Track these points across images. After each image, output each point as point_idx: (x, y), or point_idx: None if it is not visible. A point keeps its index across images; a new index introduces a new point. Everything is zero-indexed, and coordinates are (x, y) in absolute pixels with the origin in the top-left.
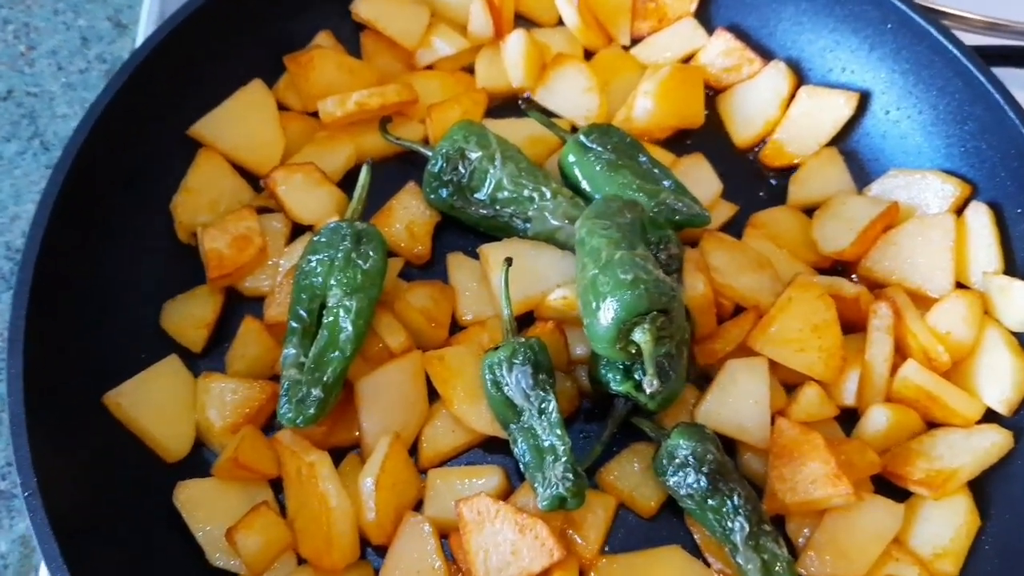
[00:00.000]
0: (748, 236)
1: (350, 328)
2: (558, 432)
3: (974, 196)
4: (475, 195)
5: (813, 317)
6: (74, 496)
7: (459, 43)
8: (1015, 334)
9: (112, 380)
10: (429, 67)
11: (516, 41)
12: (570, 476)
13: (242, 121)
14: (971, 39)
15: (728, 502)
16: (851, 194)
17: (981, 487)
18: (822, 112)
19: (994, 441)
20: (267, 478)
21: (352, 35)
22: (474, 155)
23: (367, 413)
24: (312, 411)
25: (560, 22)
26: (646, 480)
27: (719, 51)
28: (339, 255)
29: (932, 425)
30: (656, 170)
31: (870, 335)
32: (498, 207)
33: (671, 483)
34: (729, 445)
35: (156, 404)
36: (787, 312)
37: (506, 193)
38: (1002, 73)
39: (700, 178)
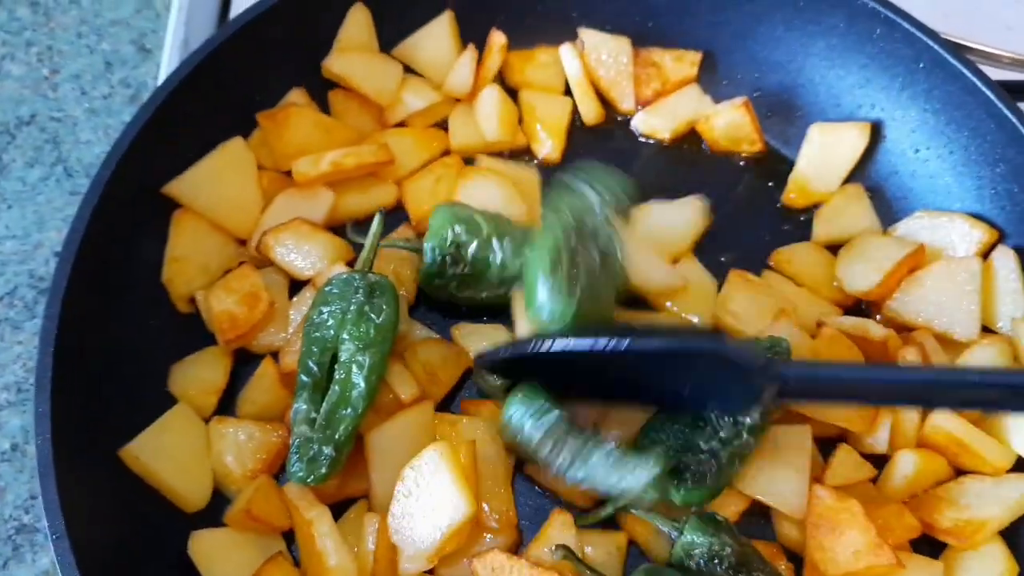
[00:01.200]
0: (770, 272)
1: (363, 384)
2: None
3: (1001, 241)
4: (481, 282)
5: None
6: (99, 539)
7: (430, 97)
8: None
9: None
10: (400, 124)
11: (489, 95)
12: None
13: (221, 181)
14: (998, 74)
15: None
16: (877, 234)
17: (1017, 534)
18: (839, 145)
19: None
20: (280, 531)
21: (320, 92)
22: (470, 245)
23: (377, 465)
24: (323, 470)
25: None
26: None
27: (725, 123)
28: (351, 308)
29: (960, 472)
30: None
31: None
32: (507, 286)
33: None
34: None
35: (172, 455)
36: None
37: (513, 270)
38: None
39: None
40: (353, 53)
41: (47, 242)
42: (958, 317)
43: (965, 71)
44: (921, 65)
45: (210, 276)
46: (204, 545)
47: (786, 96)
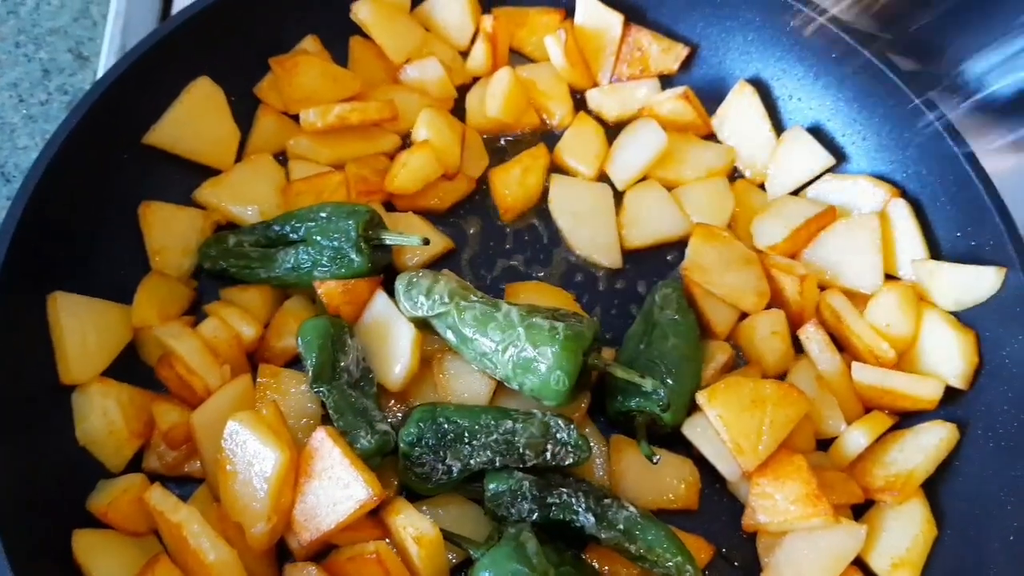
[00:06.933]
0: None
1: None
2: None
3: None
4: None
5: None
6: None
7: (445, 69)
8: (953, 314)
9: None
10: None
11: (502, 76)
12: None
13: (195, 120)
14: (911, 65)
15: (567, 507)
16: (791, 197)
17: (937, 499)
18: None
19: (941, 436)
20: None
21: (340, 38)
22: (450, 434)
23: (207, 446)
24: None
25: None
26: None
27: (668, 111)
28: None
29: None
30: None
31: (812, 357)
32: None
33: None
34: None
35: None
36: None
37: (488, 437)
38: None
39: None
40: (382, 5)
41: None
42: (862, 271)
43: (873, 59)
44: (833, 55)
45: (191, 254)
46: (87, 544)
47: (716, 86)
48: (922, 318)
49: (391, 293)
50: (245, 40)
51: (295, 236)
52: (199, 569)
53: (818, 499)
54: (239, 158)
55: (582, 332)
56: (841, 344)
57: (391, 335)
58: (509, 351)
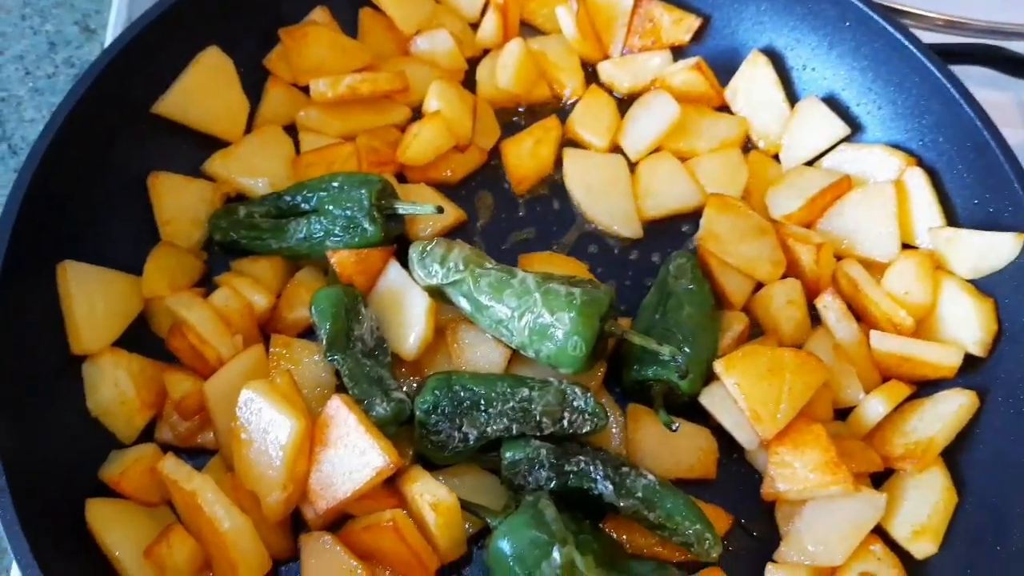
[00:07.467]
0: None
1: None
2: None
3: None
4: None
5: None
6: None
7: (455, 41)
8: (971, 282)
9: None
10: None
11: (514, 47)
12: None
13: (204, 90)
14: (931, 37)
15: (585, 475)
16: (806, 168)
17: (958, 467)
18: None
19: (961, 404)
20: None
21: (350, 11)
22: (466, 402)
23: (219, 415)
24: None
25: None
26: None
27: (680, 82)
28: None
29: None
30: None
31: (830, 327)
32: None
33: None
34: None
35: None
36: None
37: (505, 404)
38: (962, 71)
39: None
40: None
41: None
42: (878, 240)
43: (888, 27)
44: (847, 24)
45: (201, 226)
46: (100, 513)
47: (729, 56)
48: (940, 286)
49: (403, 265)
50: (253, 11)
51: (306, 206)
52: (214, 538)
53: (838, 467)
54: (248, 130)
55: (600, 298)
56: (858, 314)
57: (405, 304)
58: (525, 317)
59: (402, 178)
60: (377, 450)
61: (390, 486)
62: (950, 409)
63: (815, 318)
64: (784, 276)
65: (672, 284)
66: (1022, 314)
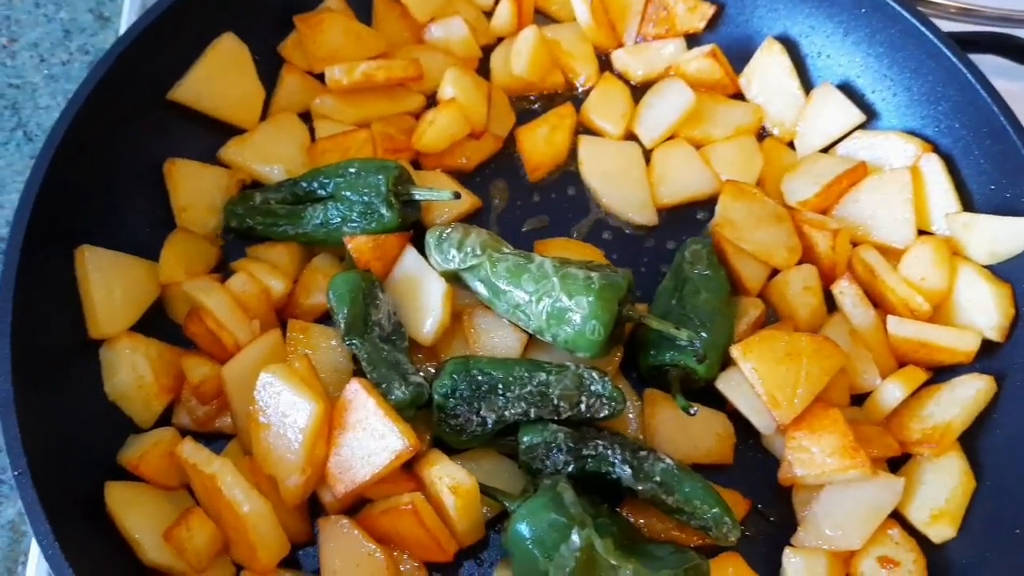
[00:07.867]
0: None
1: None
2: None
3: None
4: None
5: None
6: (64, 477)
7: (469, 28)
8: (988, 267)
9: None
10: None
11: (528, 35)
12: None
13: (219, 77)
14: (944, 25)
15: (603, 459)
16: (821, 155)
17: (975, 452)
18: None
19: (978, 388)
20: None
21: (361, 0)
22: (484, 386)
23: (237, 399)
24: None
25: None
26: None
27: (695, 69)
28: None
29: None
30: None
31: (846, 312)
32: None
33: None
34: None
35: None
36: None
37: (522, 388)
38: (975, 59)
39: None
40: None
41: (7, 204)
42: (894, 226)
43: (904, 13)
44: (863, 11)
45: (216, 212)
46: (119, 496)
47: (743, 44)
48: (956, 272)
49: (420, 251)
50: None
51: (323, 192)
52: (233, 521)
53: (855, 451)
54: (263, 117)
55: (618, 282)
56: (874, 299)
57: (422, 289)
58: (543, 301)
59: (417, 165)
60: (396, 433)
61: (408, 470)
62: (967, 394)
63: (831, 305)
64: (800, 262)
65: (688, 270)
66: None
